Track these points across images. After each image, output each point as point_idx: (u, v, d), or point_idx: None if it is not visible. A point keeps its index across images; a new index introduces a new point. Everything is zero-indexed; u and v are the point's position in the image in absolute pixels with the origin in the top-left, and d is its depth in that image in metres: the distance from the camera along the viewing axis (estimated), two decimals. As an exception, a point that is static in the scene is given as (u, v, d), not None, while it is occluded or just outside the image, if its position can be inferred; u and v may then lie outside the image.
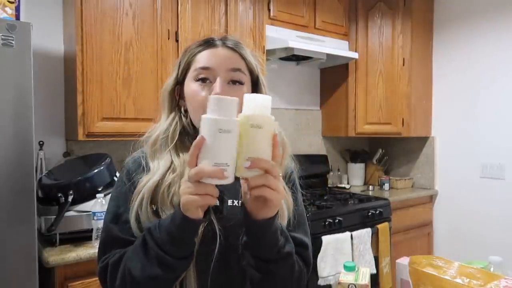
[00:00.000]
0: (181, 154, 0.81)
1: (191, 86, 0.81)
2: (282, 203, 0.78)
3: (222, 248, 0.77)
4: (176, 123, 0.84)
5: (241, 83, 0.81)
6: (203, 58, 0.81)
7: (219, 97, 0.62)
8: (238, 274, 0.79)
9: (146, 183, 0.77)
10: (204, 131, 0.61)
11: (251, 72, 0.85)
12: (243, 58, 0.83)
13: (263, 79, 0.87)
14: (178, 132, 0.83)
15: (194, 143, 0.61)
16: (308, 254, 0.85)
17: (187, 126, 0.85)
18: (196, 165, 0.61)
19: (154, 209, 0.76)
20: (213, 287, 0.78)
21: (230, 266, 0.79)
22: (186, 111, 0.85)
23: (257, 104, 0.62)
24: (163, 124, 0.84)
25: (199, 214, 0.65)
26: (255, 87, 0.86)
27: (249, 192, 0.65)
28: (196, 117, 0.80)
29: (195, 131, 0.85)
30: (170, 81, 0.86)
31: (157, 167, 0.79)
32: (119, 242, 0.78)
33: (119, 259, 0.75)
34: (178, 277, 0.73)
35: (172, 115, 0.85)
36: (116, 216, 0.80)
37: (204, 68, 0.80)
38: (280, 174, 0.67)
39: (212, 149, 0.60)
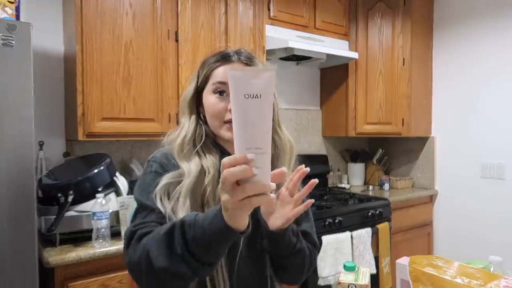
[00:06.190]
0: (208, 155, 0.89)
1: (209, 98, 0.90)
2: None
3: (242, 256, 0.87)
4: (200, 126, 0.93)
5: None
6: (219, 74, 0.90)
7: None
8: (260, 277, 0.90)
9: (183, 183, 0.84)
10: None
11: None
12: None
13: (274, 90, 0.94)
14: (204, 135, 0.92)
15: None
16: (313, 238, 0.97)
17: (208, 130, 0.93)
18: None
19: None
20: None
21: (252, 271, 0.89)
22: (205, 117, 0.93)
23: None
24: (187, 128, 0.92)
25: (242, 224, 0.62)
26: None
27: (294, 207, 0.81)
28: (213, 125, 0.91)
29: (215, 135, 0.94)
30: (190, 89, 0.95)
31: (189, 168, 0.86)
32: (149, 210, 0.83)
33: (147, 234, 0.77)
34: (198, 278, 0.73)
35: (194, 120, 0.93)
36: (146, 198, 0.85)
37: (221, 83, 0.89)
38: None
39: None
